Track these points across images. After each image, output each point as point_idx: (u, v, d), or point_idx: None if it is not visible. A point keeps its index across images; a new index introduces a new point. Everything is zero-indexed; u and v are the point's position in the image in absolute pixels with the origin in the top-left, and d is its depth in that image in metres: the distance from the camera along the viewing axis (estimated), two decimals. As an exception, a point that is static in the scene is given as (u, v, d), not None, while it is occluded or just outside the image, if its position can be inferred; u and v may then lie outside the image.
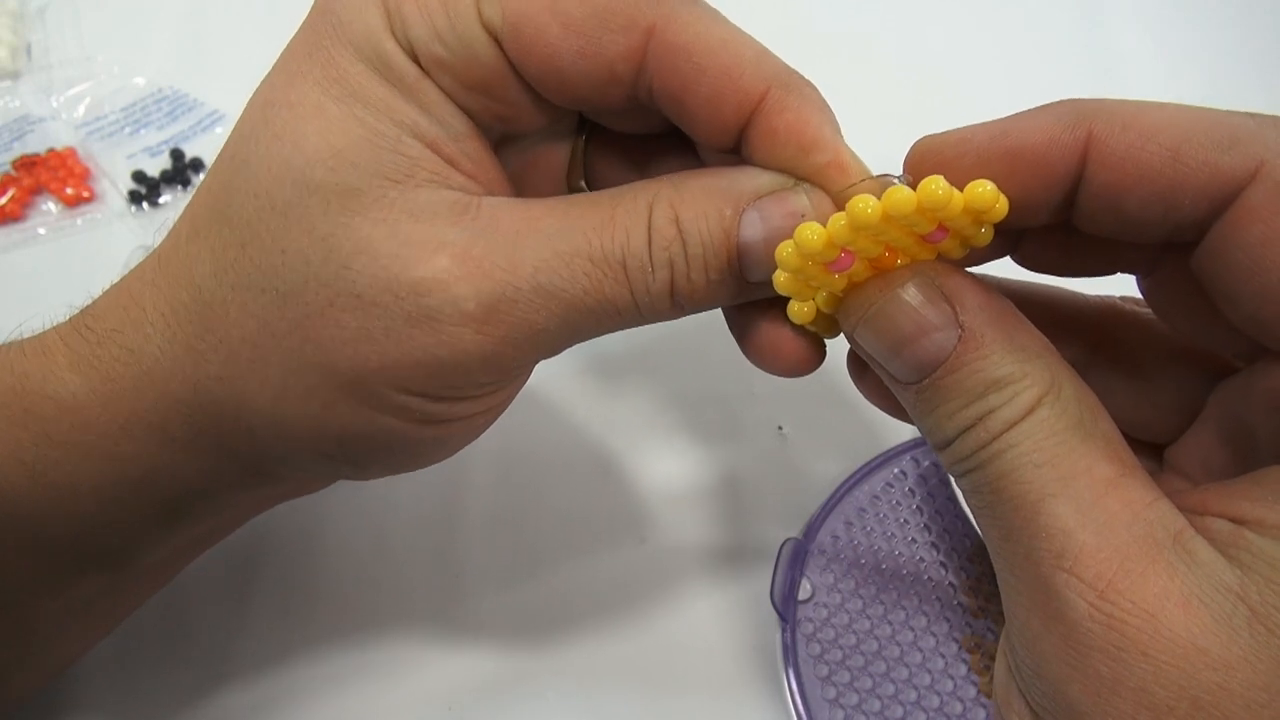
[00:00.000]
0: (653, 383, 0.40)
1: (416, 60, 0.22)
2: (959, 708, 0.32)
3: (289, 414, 0.23)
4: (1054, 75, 0.52)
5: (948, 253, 0.21)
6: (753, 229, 0.22)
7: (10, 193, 0.46)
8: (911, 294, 0.20)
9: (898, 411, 0.24)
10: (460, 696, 0.33)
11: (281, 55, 0.23)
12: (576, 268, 0.21)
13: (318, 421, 0.23)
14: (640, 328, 0.24)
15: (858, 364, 0.25)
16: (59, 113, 0.50)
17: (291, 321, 0.22)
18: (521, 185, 0.25)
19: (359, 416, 0.23)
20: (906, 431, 0.38)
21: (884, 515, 0.36)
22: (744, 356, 0.26)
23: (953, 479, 0.22)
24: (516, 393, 0.26)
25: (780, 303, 0.23)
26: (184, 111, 0.50)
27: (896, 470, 0.37)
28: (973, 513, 0.20)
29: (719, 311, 0.25)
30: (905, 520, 0.36)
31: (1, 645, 0.27)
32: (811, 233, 0.19)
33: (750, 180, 0.22)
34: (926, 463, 0.37)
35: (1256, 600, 0.17)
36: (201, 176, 0.48)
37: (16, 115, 0.50)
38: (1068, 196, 0.20)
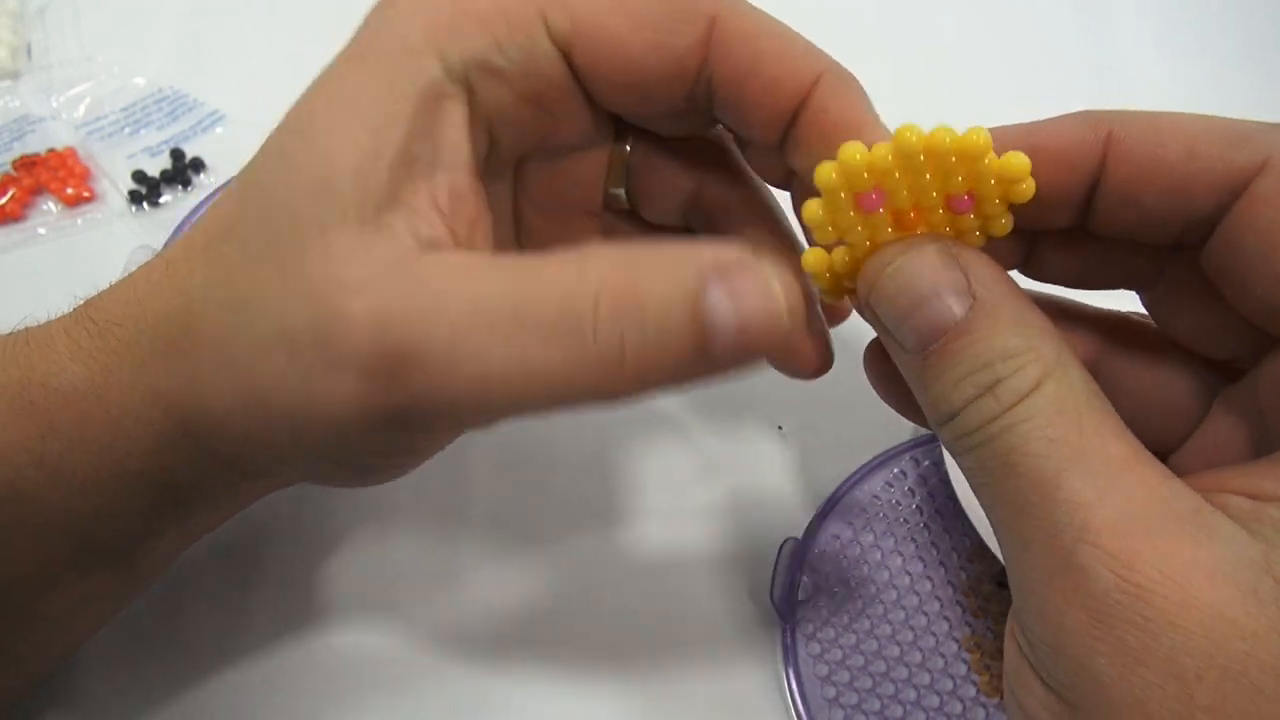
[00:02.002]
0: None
1: (458, 78, 0.22)
2: (959, 707, 0.32)
3: (248, 436, 0.23)
4: (1061, 75, 0.52)
5: (965, 234, 0.22)
6: (717, 298, 0.20)
7: (10, 193, 0.46)
8: (928, 255, 0.20)
9: (906, 407, 0.24)
10: (460, 695, 0.33)
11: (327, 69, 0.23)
12: (498, 330, 0.20)
13: (274, 450, 0.23)
14: None
15: (874, 358, 0.25)
16: (59, 113, 0.50)
17: (241, 351, 0.22)
18: (553, 193, 0.26)
19: (299, 455, 0.23)
20: (906, 431, 0.38)
21: (884, 515, 0.36)
22: None
23: (954, 459, 0.22)
24: (442, 448, 0.26)
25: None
26: (184, 111, 0.50)
27: (896, 470, 0.37)
28: (976, 491, 0.20)
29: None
30: (905, 520, 0.36)
31: (12, 638, 0.27)
32: (855, 149, 0.20)
33: (710, 251, 0.21)
34: (926, 463, 0.37)
35: None
36: (202, 177, 0.48)
37: (16, 115, 0.49)
38: (1088, 194, 0.21)
